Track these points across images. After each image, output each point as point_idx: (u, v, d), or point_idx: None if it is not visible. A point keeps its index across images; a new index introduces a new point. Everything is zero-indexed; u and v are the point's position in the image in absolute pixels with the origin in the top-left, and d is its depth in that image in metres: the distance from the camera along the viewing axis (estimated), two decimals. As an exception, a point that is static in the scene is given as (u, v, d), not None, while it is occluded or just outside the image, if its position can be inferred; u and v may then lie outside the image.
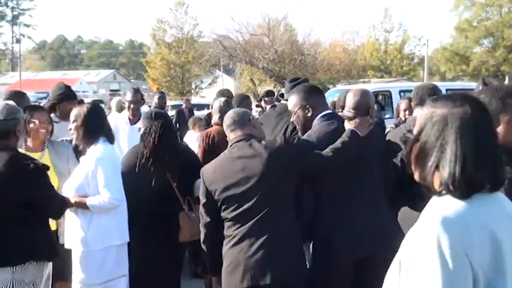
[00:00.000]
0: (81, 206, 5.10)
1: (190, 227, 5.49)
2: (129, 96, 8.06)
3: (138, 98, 8.14)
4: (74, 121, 5.25)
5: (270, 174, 4.26)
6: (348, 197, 4.51)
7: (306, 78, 6.46)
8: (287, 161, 4.30)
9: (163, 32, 60.83)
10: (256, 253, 4.22)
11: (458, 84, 21.81)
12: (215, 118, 7.17)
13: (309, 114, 4.74)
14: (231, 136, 4.55)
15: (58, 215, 4.95)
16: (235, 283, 4.28)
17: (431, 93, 5.21)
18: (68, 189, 5.17)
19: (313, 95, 4.86)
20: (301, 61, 50.36)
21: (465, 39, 57.90)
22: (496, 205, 2.15)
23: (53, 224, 5.50)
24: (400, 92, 14.74)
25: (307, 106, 4.75)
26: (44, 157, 5.52)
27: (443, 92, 16.77)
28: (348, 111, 5.60)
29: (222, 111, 6.65)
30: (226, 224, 4.39)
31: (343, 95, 6.19)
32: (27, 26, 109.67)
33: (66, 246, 5.27)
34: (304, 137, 4.69)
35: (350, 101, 5.49)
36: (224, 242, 4.41)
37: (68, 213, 5.19)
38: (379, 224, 4.53)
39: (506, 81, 5.66)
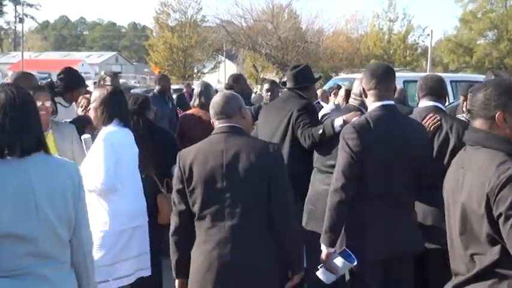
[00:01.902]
0: None
1: (169, 209, 5.45)
2: (108, 81, 8.35)
3: (116, 82, 8.48)
4: (93, 101, 5.32)
5: (248, 174, 4.01)
6: (382, 194, 4.36)
7: (307, 65, 6.39)
8: (265, 170, 4.03)
9: (167, 15, 60.50)
10: (228, 255, 3.99)
11: (461, 76, 21.69)
12: (194, 101, 7.85)
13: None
14: (216, 124, 4.22)
15: None
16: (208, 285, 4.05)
17: (439, 85, 5.14)
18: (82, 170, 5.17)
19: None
20: (304, 48, 50.35)
21: (469, 30, 57.78)
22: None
23: None
24: (404, 82, 14.61)
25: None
26: (47, 138, 5.48)
27: (448, 83, 16.79)
28: (354, 99, 5.56)
29: (201, 95, 7.66)
30: (197, 222, 4.13)
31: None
32: (30, 5, 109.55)
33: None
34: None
35: (357, 88, 5.43)
36: (196, 241, 4.15)
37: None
38: (407, 224, 4.46)
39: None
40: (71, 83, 7.22)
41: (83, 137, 5.76)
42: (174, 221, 4.24)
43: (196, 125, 7.49)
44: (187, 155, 4.16)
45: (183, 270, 4.21)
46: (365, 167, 4.29)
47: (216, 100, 4.27)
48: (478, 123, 3.03)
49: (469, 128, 3.15)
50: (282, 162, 4.25)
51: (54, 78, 7.74)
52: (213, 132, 4.22)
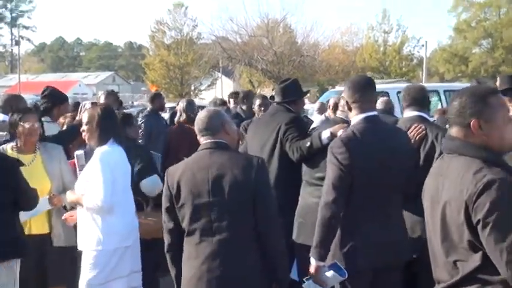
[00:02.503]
0: (78, 203, 5.22)
1: (148, 225, 5.68)
2: (102, 99, 8.47)
3: (110, 100, 8.50)
4: (86, 123, 5.32)
5: (233, 189, 4.08)
6: (371, 206, 4.38)
7: (296, 79, 6.46)
8: (250, 184, 4.10)
9: (162, 33, 60.73)
10: (217, 270, 4.06)
11: (456, 85, 21.76)
12: (179, 117, 8.32)
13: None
14: (201, 140, 4.31)
15: (32, 206, 4.99)
16: None
17: (422, 95, 5.20)
18: (77, 188, 5.27)
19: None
20: (300, 62, 50.41)
21: (464, 40, 57.96)
22: None
23: (45, 227, 5.51)
24: (397, 92, 14.68)
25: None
26: (35, 159, 5.53)
27: (441, 93, 16.83)
28: (342, 112, 5.60)
29: (187, 110, 8.21)
30: (186, 238, 4.21)
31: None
32: (26, 28, 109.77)
33: (79, 247, 5.30)
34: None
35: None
36: (184, 255, 4.24)
37: (80, 214, 5.26)
38: (396, 233, 4.48)
39: (498, 83, 5.64)
40: (56, 99, 7.30)
41: (75, 153, 5.81)
42: (166, 239, 4.33)
43: (183, 138, 7.70)
44: (174, 173, 4.24)
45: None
46: (354, 179, 4.31)
47: (199, 117, 4.36)
48: (454, 131, 3.06)
49: (446, 136, 3.18)
50: (266, 176, 4.31)
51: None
52: (199, 148, 4.29)
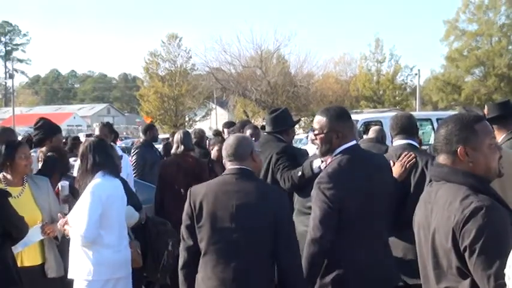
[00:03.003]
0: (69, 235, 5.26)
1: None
2: (96, 131, 8.65)
3: (105, 132, 8.67)
4: (79, 156, 5.45)
5: (256, 217, 4.21)
6: (359, 234, 4.35)
7: (286, 108, 6.52)
8: (272, 213, 4.22)
9: (157, 65, 61.00)
10: None
11: (449, 114, 21.83)
12: (174, 149, 8.18)
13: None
14: (228, 165, 4.42)
15: (23, 235, 4.96)
16: None
17: (409, 122, 5.24)
18: (69, 219, 5.30)
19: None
20: (293, 92, 50.65)
21: (456, 68, 58.21)
22: None
23: (37, 258, 5.48)
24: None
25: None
26: (24, 191, 5.53)
27: (434, 121, 16.90)
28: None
29: (179, 142, 8.03)
30: (203, 258, 4.31)
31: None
32: (21, 61, 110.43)
33: (70, 275, 5.31)
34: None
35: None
36: (198, 275, 4.34)
37: (73, 243, 5.27)
38: (383, 259, 4.47)
39: (486, 111, 5.68)
40: (49, 131, 7.29)
41: (60, 184, 5.84)
42: (182, 256, 4.44)
43: (179, 170, 7.72)
44: (198, 192, 4.36)
45: None
46: (342, 211, 4.27)
47: (228, 142, 4.48)
48: (441, 158, 3.08)
49: (433, 164, 3.21)
50: (287, 206, 4.49)
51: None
52: (225, 172, 4.44)
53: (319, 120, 4.44)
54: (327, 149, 4.42)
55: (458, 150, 2.99)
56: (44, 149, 6.61)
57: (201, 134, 11.08)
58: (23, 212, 5.14)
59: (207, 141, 11.31)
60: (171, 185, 7.78)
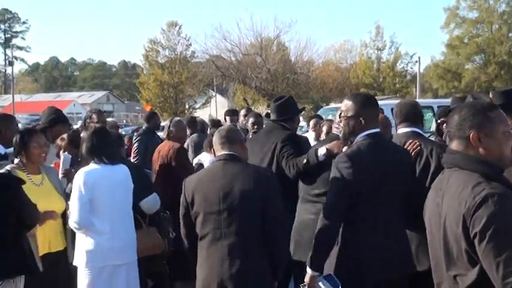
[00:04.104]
0: None
1: (146, 243, 5.72)
2: (94, 118, 8.49)
3: (103, 119, 8.66)
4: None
5: (243, 197, 4.49)
6: (376, 219, 4.42)
7: (291, 96, 6.49)
8: (259, 193, 4.51)
9: (156, 52, 60.91)
10: (227, 271, 4.44)
11: (447, 101, 21.78)
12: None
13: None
14: (219, 151, 4.71)
15: (36, 222, 5.02)
16: None
17: (415, 110, 5.22)
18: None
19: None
20: (294, 80, 50.50)
21: (457, 56, 58.18)
22: None
23: (61, 244, 5.59)
24: (392, 109, 14.66)
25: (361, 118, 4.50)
26: (44, 179, 5.57)
27: (435, 109, 16.87)
28: (337, 128, 5.63)
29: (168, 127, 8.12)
30: (200, 242, 4.63)
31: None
32: (20, 48, 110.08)
33: (74, 262, 5.39)
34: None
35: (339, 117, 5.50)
36: (198, 259, 4.63)
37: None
38: (399, 246, 4.50)
39: (491, 98, 5.66)
40: (50, 120, 7.27)
41: (63, 156, 5.89)
42: (185, 241, 4.84)
43: (157, 156, 7.90)
44: (190, 183, 4.73)
45: None
46: (358, 194, 4.35)
47: (221, 129, 4.90)
48: (454, 144, 3.08)
49: (446, 151, 3.19)
50: (275, 185, 4.69)
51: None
52: (214, 159, 4.77)
53: (345, 104, 4.56)
54: (349, 132, 4.52)
55: (470, 136, 2.98)
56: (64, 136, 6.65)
57: (201, 122, 11.08)
58: (49, 201, 5.26)
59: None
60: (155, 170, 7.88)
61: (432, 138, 8.14)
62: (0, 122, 6.23)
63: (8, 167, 5.50)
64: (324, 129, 6.90)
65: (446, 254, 2.99)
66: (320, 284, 4.41)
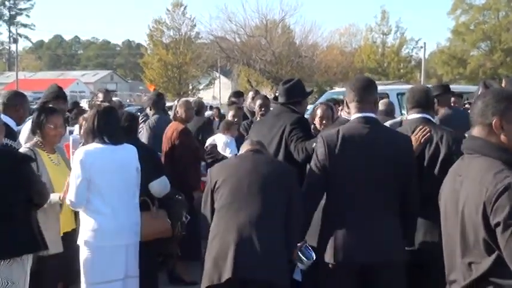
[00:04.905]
0: None
1: (152, 227, 5.65)
2: (100, 97, 8.59)
3: (109, 98, 8.73)
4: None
5: (268, 184, 4.70)
6: (355, 205, 4.50)
7: (299, 79, 6.44)
8: (284, 181, 4.77)
9: (161, 32, 60.73)
10: (241, 245, 4.48)
11: (454, 87, 21.74)
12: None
13: None
14: (249, 147, 5.03)
15: (45, 201, 4.99)
16: (222, 274, 4.47)
17: (426, 96, 5.17)
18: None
19: None
20: (298, 63, 50.46)
21: (462, 42, 58.02)
22: None
23: (71, 224, 5.63)
24: (397, 94, 14.64)
25: None
26: (60, 159, 5.58)
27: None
28: (348, 113, 5.64)
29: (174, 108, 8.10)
30: (216, 214, 4.72)
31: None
32: (25, 25, 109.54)
33: (78, 242, 5.38)
34: None
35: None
36: (210, 234, 4.69)
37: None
38: (382, 234, 4.49)
39: (503, 85, 5.63)
40: (47, 95, 7.33)
41: (72, 137, 5.88)
42: (204, 215, 4.95)
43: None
44: (216, 168, 4.98)
45: None
46: (332, 175, 4.54)
47: (251, 141, 5.25)
48: (476, 130, 3.04)
49: (467, 136, 3.17)
50: (296, 176, 4.94)
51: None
52: (242, 152, 5.07)
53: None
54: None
55: (493, 123, 2.95)
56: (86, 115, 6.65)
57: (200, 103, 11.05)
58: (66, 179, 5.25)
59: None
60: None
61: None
62: (16, 98, 6.24)
63: (28, 145, 5.50)
64: (318, 112, 6.88)
65: (462, 241, 2.96)
66: (299, 253, 4.70)
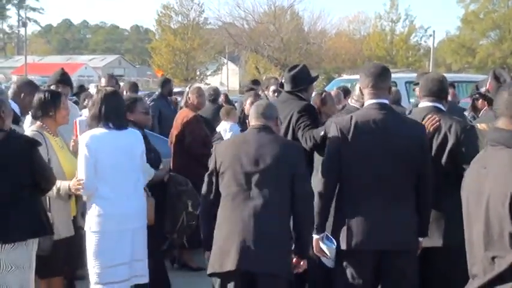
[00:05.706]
0: None
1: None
2: (103, 82, 8.63)
3: (112, 84, 8.66)
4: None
5: (274, 163, 4.52)
6: (370, 191, 4.52)
7: (305, 65, 6.42)
8: (289, 160, 4.60)
9: (169, 18, 60.59)
10: (246, 237, 4.44)
11: (463, 76, 21.69)
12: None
13: None
14: (253, 122, 4.75)
15: (51, 186, 5.00)
16: (225, 264, 4.47)
17: (440, 85, 5.12)
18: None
19: None
20: (306, 50, 50.41)
21: (472, 31, 57.80)
22: None
23: (72, 209, 5.57)
24: (405, 82, 14.58)
25: None
26: (62, 142, 5.59)
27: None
28: (356, 101, 5.63)
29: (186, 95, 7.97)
30: (222, 201, 4.64)
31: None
32: (33, 9, 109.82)
33: (85, 228, 5.36)
34: None
35: (357, 89, 5.50)
36: (219, 218, 4.65)
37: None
38: (397, 219, 4.51)
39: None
40: (52, 79, 7.39)
41: (78, 119, 5.86)
42: (202, 202, 4.95)
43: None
44: (221, 145, 4.89)
45: (209, 244, 4.68)
46: (345, 161, 4.55)
47: (259, 103, 5.01)
48: (501, 122, 3.00)
49: (491, 128, 3.12)
50: (303, 156, 4.83)
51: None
52: (249, 127, 4.83)
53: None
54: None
55: None
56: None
57: (216, 91, 11.04)
58: (73, 164, 5.31)
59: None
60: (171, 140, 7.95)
61: (467, 113, 8.09)
62: (25, 86, 6.29)
63: (34, 127, 5.49)
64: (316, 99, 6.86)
65: (486, 234, 2.90)
66: (322, 246, 4.67)
